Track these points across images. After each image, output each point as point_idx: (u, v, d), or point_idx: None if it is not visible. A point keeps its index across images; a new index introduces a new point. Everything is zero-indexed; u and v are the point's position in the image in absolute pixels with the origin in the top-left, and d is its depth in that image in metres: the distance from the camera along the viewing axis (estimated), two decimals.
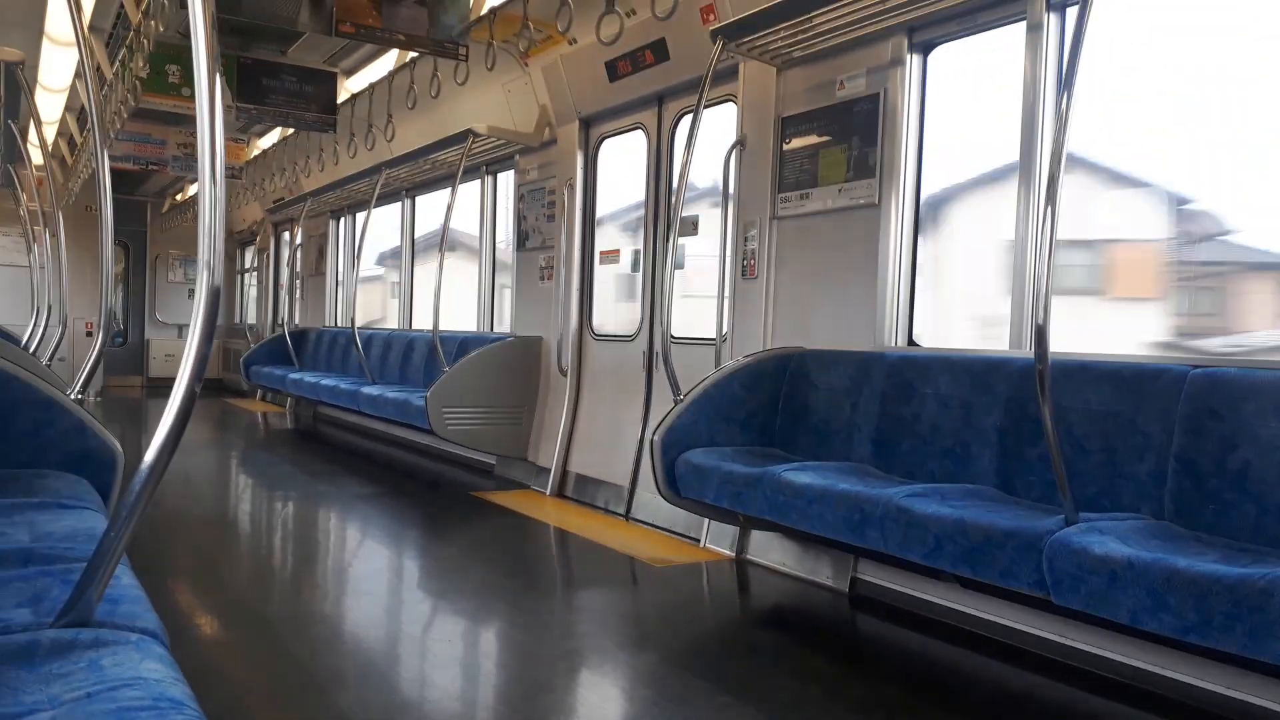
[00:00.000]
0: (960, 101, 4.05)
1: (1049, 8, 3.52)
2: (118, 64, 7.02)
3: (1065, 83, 2.59)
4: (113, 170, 9.47)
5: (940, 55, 3.99)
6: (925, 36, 3.95)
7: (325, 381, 8.42)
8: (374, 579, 4.31)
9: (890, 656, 3.37)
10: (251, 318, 14.12)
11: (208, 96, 1.42)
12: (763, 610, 3.92)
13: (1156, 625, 2.26)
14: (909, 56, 3.98)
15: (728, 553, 4.48)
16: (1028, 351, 3.37)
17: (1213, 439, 2.73)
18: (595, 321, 6.19)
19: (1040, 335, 2.58)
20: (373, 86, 7.93)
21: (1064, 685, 2.95)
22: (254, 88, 7.43)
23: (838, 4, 3.76)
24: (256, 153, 11.22)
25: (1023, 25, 3.60)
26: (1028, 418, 3.24)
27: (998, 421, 3.36)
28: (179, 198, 14.08)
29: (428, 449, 7.72)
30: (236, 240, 14.81)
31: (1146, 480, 2.88)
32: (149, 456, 1.41)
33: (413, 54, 6.97)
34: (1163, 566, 2.25)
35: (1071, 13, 3.34)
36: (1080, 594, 2.44)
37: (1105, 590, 2.37)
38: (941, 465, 3.52)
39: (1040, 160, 3.53)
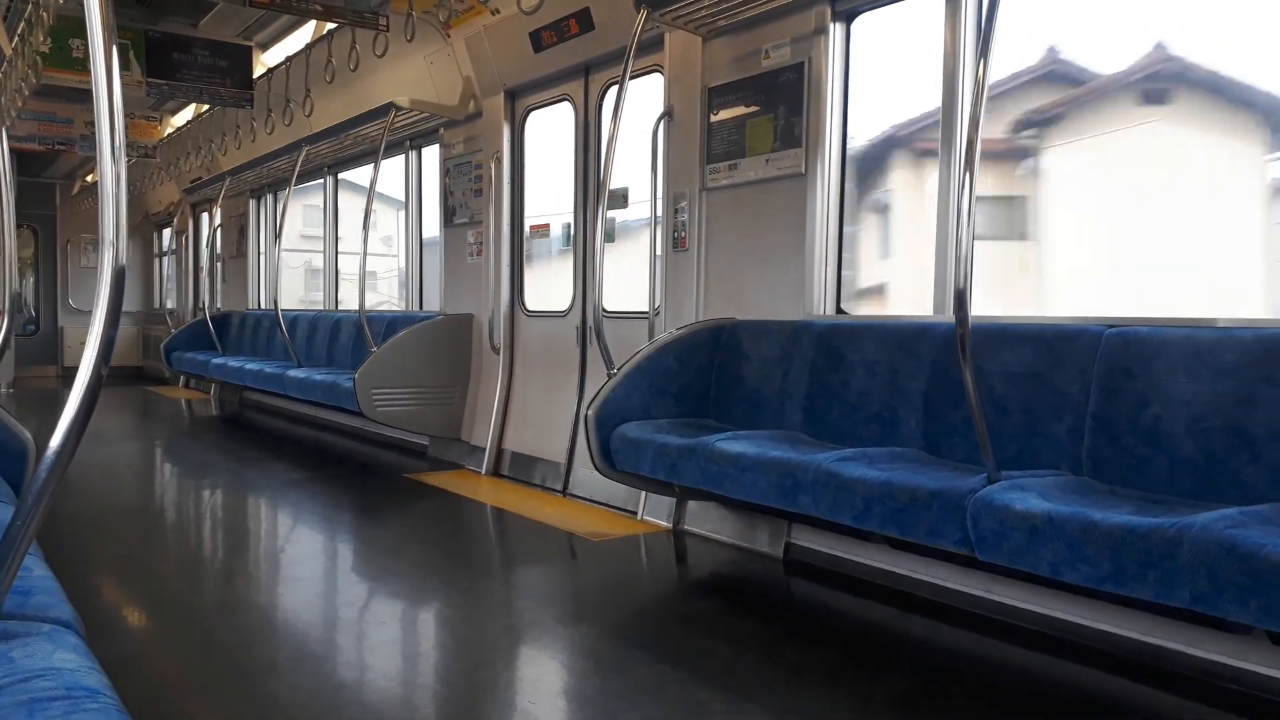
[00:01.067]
0: (883, 70, 4.08)
1: None
2: (17, 39, 6.69)
3: (982, 51, 2.63)
4: (18, 151, 9.17)
5: (863, 24, 4.02)
6: (848, 5, 3.97)
7: (250, 366, 8.21)
8: (306, 565, 4.24)
9: (824, 618, 3.43)
10: (171, 302, 13.69)
11: (104, 63, 1.35)
12: (700, 579, 3.96)
13: (1075, 576, 2.34)
14: (832, 25, 4.00)
15: (665, 524, 4.51)
16: (951, 316, 3.44)
17: (1126, 396, 2.83)
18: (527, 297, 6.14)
19: (960, 299, 2.63)
20: (290, 60, 7.69)
21: (991, 639, 3.04)
22: (164, 63, 7.16)
23: None
24: (170, 131, 10.83)
25: None
26: (952, 381, 3.31)
27: (923, 386, 3.43)
28: (89, 179, 13.52)
29: (358, 432, 7.59)
30: (153, 222, 14.31)
31: (1065, 438, 2.97)
32: (55, 441, 1.36)
33: (330, 25, 6.78)
34: (1080, 519, 2.33)
35: None
36: (1003, 549, 2.51)
37: (1026, 545, 2.44)
38: (870, 430, 3.58)
39: (960, 126, 3.59)
